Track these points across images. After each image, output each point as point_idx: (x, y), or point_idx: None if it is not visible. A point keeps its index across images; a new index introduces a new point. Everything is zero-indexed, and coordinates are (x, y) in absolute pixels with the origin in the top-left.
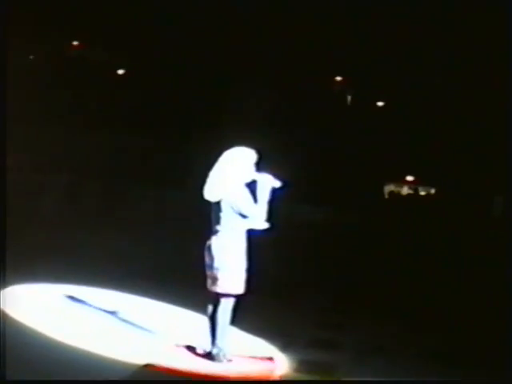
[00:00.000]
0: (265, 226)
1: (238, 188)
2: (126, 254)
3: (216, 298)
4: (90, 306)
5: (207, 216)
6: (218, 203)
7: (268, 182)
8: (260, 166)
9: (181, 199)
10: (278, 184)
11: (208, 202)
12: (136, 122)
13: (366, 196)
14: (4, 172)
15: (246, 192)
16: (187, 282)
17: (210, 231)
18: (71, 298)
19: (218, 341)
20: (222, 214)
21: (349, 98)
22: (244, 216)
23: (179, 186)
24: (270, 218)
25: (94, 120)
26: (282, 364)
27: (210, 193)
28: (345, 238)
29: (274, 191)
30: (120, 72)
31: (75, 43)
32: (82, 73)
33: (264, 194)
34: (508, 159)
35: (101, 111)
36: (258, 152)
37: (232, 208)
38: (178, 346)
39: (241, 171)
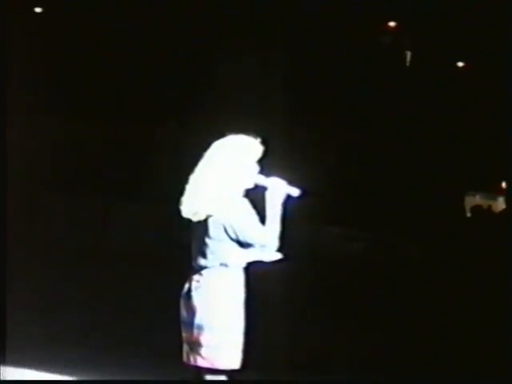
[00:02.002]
0: (275, 256)
1: (236, 199)
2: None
3: (197, 375)
4: None
5: (184, 244)
6: (202, 223)
7: (281, 191)
8: (268, 166)
9: (133, 215)
10: (295, 193)
11: (186, 222)
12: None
13: (435, 213)
14: None
15: (248, 206)
16: (144, 351)
17: (189, 268)
18: None
19: None
20: (210, 241)
21: (408, 55)
22: (244, 243)
23: (133, 194)
24: (283, 245)
25: None
26: None
27: (191, 207)
28: (402, 281)
29: (290, 204)
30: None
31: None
32: None
33: (275, 209)
34: None
35: None
36: (265, 143)
37: (226, 231)
38: None
39: (239, 173)
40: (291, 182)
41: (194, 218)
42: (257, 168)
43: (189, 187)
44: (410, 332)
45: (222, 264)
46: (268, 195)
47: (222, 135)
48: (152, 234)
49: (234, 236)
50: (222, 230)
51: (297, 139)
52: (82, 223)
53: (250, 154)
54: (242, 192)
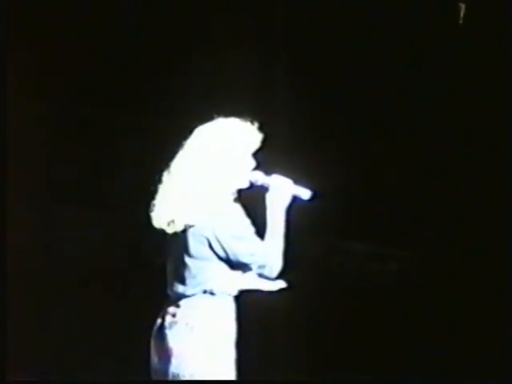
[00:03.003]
0: (277, 285)
1: (225, 204)
2: None
3: None
4: None
5: (154, 264)
6: (180, 237)
7: (285, 192)
8: (268, 160)
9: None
10: (305, 195)
11: (158, 234)
12: None
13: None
14: None
15: (241, 212)
16: None
17: (162, 297)
18: None
19: None
20: (191, 261)
21: (461, 8)
22: (236, 263)
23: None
24: (288, 267)
25: None
26: None
27: (165, 214)
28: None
29: (297, 210)
30: None
31: None
32: None
33: (277, 217)
34: None
35: None
36: (264, 129)
37: (211, 246)
38: None
39: (230, 169)
40: (299, 181)
41: (169, 230)
42: (253, 162)
43: (162, 187)
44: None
45: (206, 291)
46: (268, 199)
47: (207, 118)
48: (109, 250)
49: (222, 253)
50: (207, 245)
51: (306, 124)
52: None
53: (245, 144)
54: (233, 194)
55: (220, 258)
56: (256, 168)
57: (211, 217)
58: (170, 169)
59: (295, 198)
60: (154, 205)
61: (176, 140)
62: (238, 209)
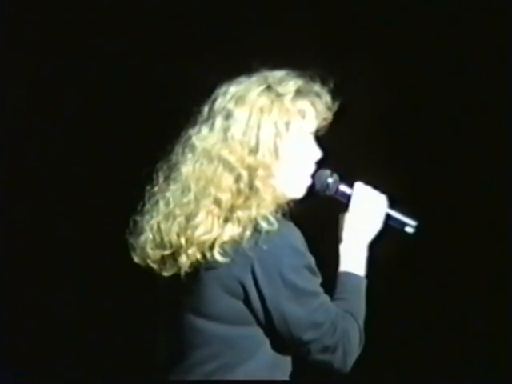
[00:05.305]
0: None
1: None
2: None
3: None
4: None
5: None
6: (189, 282)
7: (378, 213)
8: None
9: None
10: (409, 223)
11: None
12: None
13: None
14: None
15: (301, 241)
16: None
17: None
18: None
19: None
20: (210, 325)
21: None
22: (288, 340)
23: None
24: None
25: None
26: None
27: (162, 239)
28: None
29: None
30: None
31: None
32: None
33: (360, 254)
34: None
35: None
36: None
37: (248, 301)
38: None
39: (291, 163)
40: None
41: (167, 271)
42: (318, 152)
43: (159, 196)
44: None
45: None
46: (348, 221)
47: (238, 71)
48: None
49: (276, 318)
50: (241, 297)
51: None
52: None
53: (306, 119)
54: (283, 206)
55: (260, 325)
56: (323, 163)
57: (257, 244)
58: (174, 161)
59: (388, 225)
60: (138, 228)
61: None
62: (298, 236)
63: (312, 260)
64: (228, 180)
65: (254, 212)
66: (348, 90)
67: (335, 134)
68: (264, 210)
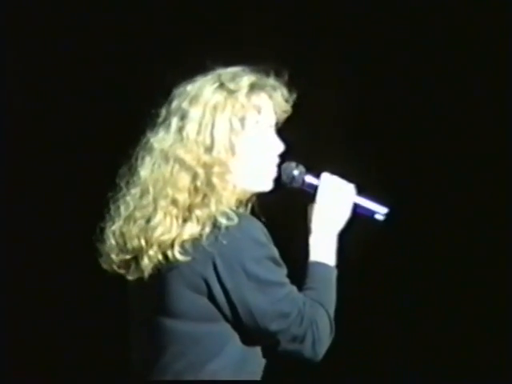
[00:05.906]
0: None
1: (241, 218)
2: None
3: None
4: None
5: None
6: (153, 281)
7: (346, 202)
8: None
9: None
10: (379, 211)
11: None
12: None
13: None
14: None
15: (266, 235)
16: None
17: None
18: None
19: None
20: (176, 324)
21: None
22: (255, 331)
23: None
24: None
25: None
26: None
27: (127, 240)
28: None
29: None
30: None
31: None
32: None
33: (329, 244)
34: None
35: None
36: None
37: (212, 296)
38: None
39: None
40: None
41: (131, 275)
42: (280, 144)
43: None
44: None
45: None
46: (316, 212)
47: (197, 69)
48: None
49: (228, 311)
50: (205, 294)
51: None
52: None
53: (265, 111)
54: (249, 200)
55: (227, 320)
56: (286, 155)
57: (217, 240)
58: (135, 165)
59: (357, 214)
60: (103, 234)
61: (139, 111)
62: (259, 228)
63: (275, 251)
64: (185, 179)
65: (213, 209)
66: (308, 80)
67: (302, 125)
68: (223, 206)
